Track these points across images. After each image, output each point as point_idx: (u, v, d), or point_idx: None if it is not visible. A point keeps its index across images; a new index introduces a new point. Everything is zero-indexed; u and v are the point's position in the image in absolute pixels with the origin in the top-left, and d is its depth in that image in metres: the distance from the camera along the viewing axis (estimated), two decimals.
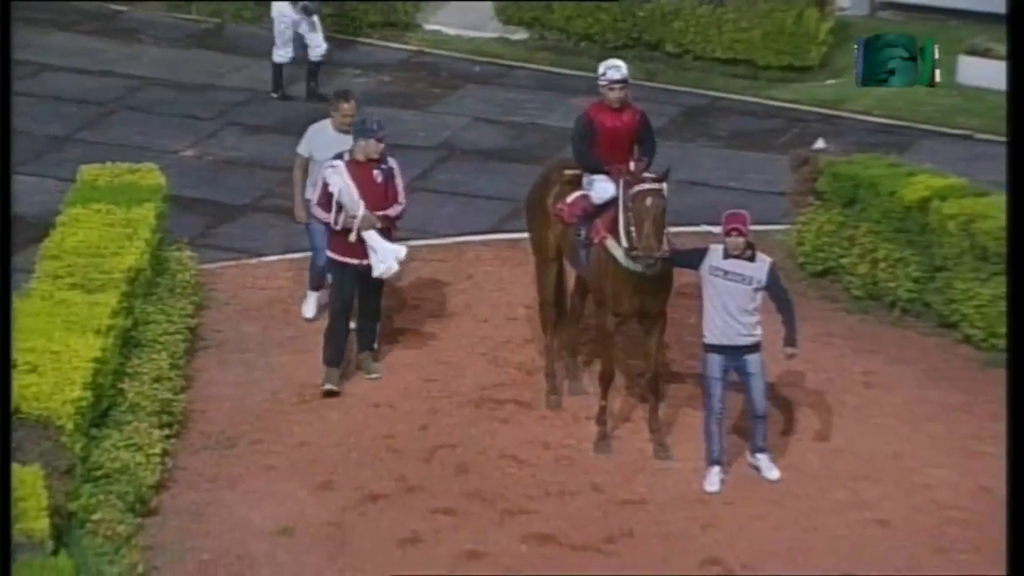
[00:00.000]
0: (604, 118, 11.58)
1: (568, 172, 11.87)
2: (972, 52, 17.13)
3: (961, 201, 12.86)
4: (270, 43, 19.11)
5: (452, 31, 19.18)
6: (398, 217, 11.98)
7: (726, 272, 10.82)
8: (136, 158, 14.18)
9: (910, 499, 10.88)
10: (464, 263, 14.07)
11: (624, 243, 11.06)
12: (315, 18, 17.27)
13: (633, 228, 10.92)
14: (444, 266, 14.03)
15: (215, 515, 10.71)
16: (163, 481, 10.89)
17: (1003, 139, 16.23)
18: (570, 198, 11.67)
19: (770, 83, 17.83)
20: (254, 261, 14.22)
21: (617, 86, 11.54)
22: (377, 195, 11.79)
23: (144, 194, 13.08)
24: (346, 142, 12.04)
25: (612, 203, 11.33)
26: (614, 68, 11.62)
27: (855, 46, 11.39)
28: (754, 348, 10.89)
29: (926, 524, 10.63)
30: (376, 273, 11.80)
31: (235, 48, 18.92)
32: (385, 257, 11.76)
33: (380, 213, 11.77)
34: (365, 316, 12.17)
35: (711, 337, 10.89)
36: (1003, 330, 12.39)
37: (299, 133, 17.60)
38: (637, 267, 11.05)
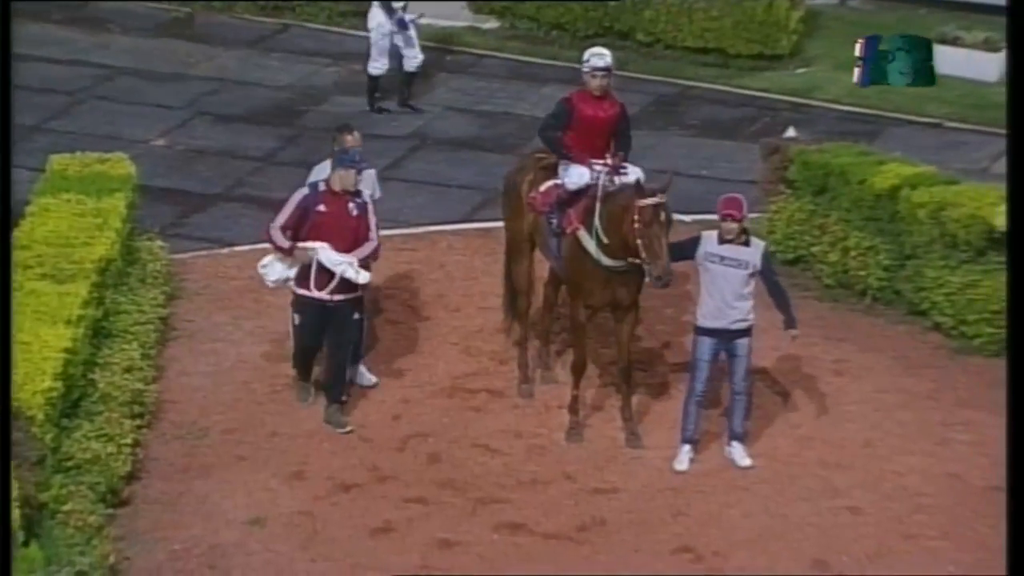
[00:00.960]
0: (585, 106, 11.56)
1: (543, 159, 11.85)
2: (942, 41, 17.16)
3: (931, 189, 12.90)
4: (239, 31, 19.04)
5: (423, 20, 19.16)
6: (374, 255, 11.37)
7: (722, 258, 10.86)
8: (106, 148, 14.11)
9: (880, 486, 10.93)
10: (436, 253, 14.06)
11: (603, 239, 10.96)
12: (412, 29, 16.64)
13: (640, 242, 10.71)
14: (416, 255, 14.02)
15: (187, 505, 10.69)
16: (134, 471, 10.87)
17: (972, 127, 16.40)
18: (543, 186, 11.66)
19: (740, 72, 17.85)
20: (225, 251, 14.18)
21: (600, 74, 11.53)
22: (350, 229, 11.20)
23: (114, 184, 13.04)
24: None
25: (585, 191, 11.32)
26: (598, 56, 11.59)
27: (857, 41, 11.37)
28: (747, 332, 10.95)
29: (896, 511, 10.68)
30: (362, 279, 11.17)
31: (205, 37, 18.85)
32: (344, 263, 11.13)
33: (354, 253, 11.19)
34: (332, 361, 11.43)
35: (705, 321, 10.92)
36: (972, 317, 12.49)
37: (269, 122, 17.55)
38: (610, 263, 11.03)
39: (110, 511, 10.42)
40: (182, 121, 16.84)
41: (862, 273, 13.21)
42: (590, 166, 11.32)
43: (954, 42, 17.12)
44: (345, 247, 11.21)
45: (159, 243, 13.57)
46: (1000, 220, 12.41)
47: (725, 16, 17.95)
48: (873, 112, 16.65)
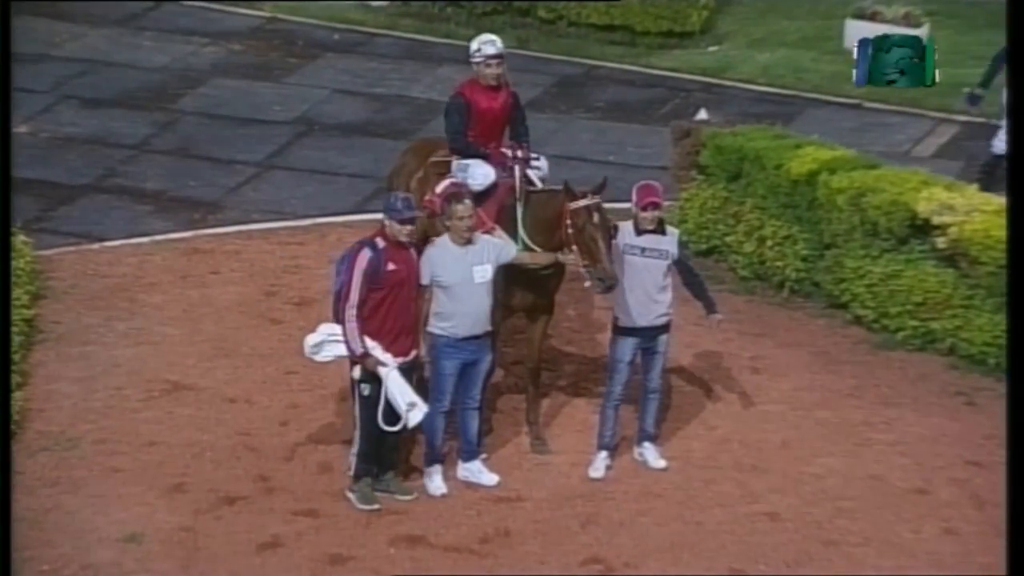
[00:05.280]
0: (479, 98, 11.55)
1: (435, 155, 11.83)
2: (860, 16, 17.42)
3: (851, 174, 13.07)
4: (108, 8, 18.84)
5: None
6: None
7: (643, 249, 10.92)
8: None
9: (799, 490, 11.08)
10: (326, 246, 14.04)
11: (531, 246, 10.98)
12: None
13: (577, 247, 10.65)
14: (304, 249, 14.01)
15: (56, 522, 10.62)
16: None
17: (893, 108, 16.62)
18: (440, 187, 11.61)
19: (649, 50, 18.00)
20: (95, 246, 14.10)
21: (494, 62, 11.51)
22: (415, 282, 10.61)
23: None
24: (474, 254, 10.66)
25: (492, 190, 11.34)
26: (489, 43, 11.56)
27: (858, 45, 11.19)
28: (667, 327, 11.04)
29: (816, 516, 10.83)
30: (413, 420, 10.45)
31: (70, 15, 18.71)
32: (415, 405, 10.46)
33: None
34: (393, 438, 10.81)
35: (628, 320, 10.94)
36: (895, 310, 12.68)
37: (142, 107, 17.37)
38: (532, 265, 11.05)
39: None
40: (46, 106, 16.70)
41: (779, 264, 13.37)
42: (502, 164, 11.35)
43: (873, 17, 17.35)
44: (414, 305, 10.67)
45: (22, 238, 13.47)
46: (923, 206, 12.62)
47: None
48: (789, 92, 16.86)
